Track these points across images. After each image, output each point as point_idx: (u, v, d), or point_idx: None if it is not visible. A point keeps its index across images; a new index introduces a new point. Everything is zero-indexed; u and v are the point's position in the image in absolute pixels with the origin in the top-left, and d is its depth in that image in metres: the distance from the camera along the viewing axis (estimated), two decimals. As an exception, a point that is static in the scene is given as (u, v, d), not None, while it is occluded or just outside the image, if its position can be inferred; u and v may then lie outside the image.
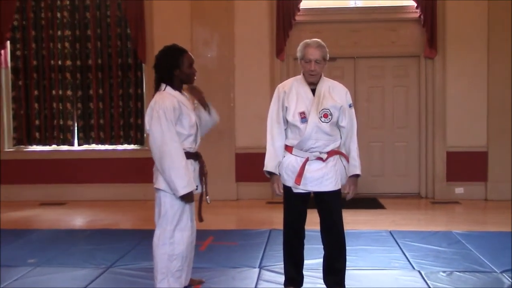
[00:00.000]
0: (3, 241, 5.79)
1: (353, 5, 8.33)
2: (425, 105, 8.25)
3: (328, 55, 3.94)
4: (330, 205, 3.94)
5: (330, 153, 3.88)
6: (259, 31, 8.21)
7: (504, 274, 4.48)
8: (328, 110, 3.83)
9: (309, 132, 3.81)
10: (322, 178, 3.85)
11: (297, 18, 8.13)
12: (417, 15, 8.09)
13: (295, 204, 3.98)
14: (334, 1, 8.36)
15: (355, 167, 3.93)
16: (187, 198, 3.66)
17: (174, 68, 3.75)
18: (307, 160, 3.85)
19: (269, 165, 3.93)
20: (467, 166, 8.12)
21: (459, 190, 8.14)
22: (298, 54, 3.91)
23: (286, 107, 3.90)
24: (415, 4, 8.00)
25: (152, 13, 8.28)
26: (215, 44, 8.22)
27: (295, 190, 3.91)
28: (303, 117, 3.83)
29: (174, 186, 3.60)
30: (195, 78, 3.89)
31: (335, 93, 3.91)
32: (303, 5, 8.14)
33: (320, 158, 3.85)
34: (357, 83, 8.41)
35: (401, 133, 8.44)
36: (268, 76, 8.22)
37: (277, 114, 3.94)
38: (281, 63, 8.20)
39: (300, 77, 3.97)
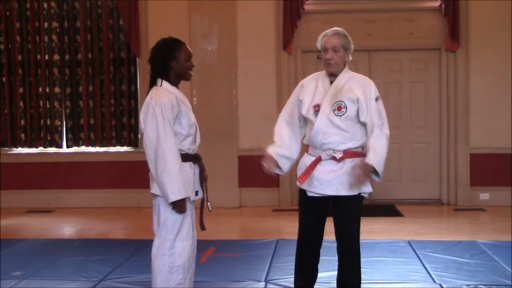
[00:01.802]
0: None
1: (368, -7, 8.34)
2: (446, 103, 8.25)
3: (351, 45, 3.90)
4: (344, 213, 3.86)
5: (347, 153, 3.79)
6: (264, 21, 8.21)
7: (533, 288, 4.49)
8: (342, 103, 3.78)
9: (319, 124, 3.78)
10: (334, 180, 3.78)
11: (306, 7, 8.14)
12: (437, 3, 8.09)
13: (309, 209, 3.95)
14: (346, -12, 8.38)
15: (370, 156, 3.73)
16: (178, 206, 3.63)
17: (171, 60, 3.74)
18: (319, 158, 3.82)
19: (270, 149, 3.96)
20: (492, 169, 8.11)
21: (484, 195, 8.13)
22: (318, 45, 3.93)
23: (301, 100, 3.92)
24: (435, -8, 8.04)
25: (146, 3, 8.30)
26: (216, 36, 8.23)
27: (308, 194, 3.88)
28: (317, 110, 3.82)
29: (165, 191, 3.59)
30: (191, 74, 3.88)
31: (355, 85, 3.85)
32: (312, -7, 8.17)
33: (334, 158, 3.80)
34: (372, 78, 8.13)
35: (420, 133, 8.44)
36: (274, 71, 8.23)
37: (290, 105, 4.00)
38: (288, 56, 8.21)
39: (323, 72, 3.98)
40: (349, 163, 3.79)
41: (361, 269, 4.00)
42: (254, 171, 8.22)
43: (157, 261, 3.70)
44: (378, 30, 8.28)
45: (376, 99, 3.85)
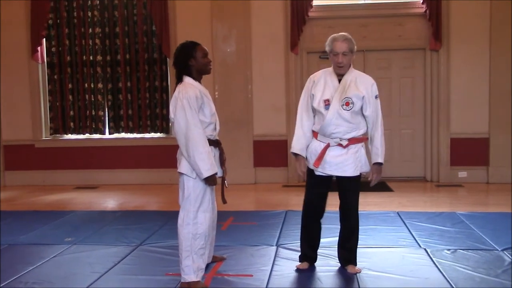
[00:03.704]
0: (42, 221, 5.88)
1: (362, 2, 8.24)
2: (430, 95, 8.18)
3: (355, 47, 3.90)
4: (348, 190, 3.94)
5: (352, 141, 3.85)
6: (275, 27, 8.16)
7: (505, 252, 4.45)
8: (350, 99, 3.80)
9: (330, 117, 3.80)
10: (342, 163, 3.85)
11: (310, 14, 8.07)
12: (422, 10, 7.99)
13: (316, 185, 3.98)
14: (344, -2, 8.30)
15: (377, 156, 3.90)
16: (210, 180, 3.67)
17: (189, 59, 3.74)
18: (328, 145, 3.86)
19: (296, 147, 3.96)
20: (470, 151, 8.04)
21: (462, 174, 8.08)
22: (327, 48, 3.90)
23: (313, 95, 3.91)
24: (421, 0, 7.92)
25: (175, 11, 8.27)
26: (234, 40, 8.19)
27: (316, 173, 3.92)
28: (327, 104, 3.83)
29: (199, 169, 3.61)
30: (211, 67, 3.87)
31: (360, 83, 3.87)
32: (315, 2, 8.08)
33: (340, 145, 3.84)
34: (366, 74, 8.33)
35: (407, 121, 8.38)
36: (283, 69, 8.19)
37: (306, 101, 3.97)
38: (295, 56, 8.15)
39: (330, 69, 3.97)
40: (352, 148, 3.86)
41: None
42: (266, 153, 8.29)
43: (182, 229, 3.72)
44: (371, 33, 8.19)
45: (376, 97, 3.89)
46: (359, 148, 3.90)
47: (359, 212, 4.06)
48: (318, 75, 3.99)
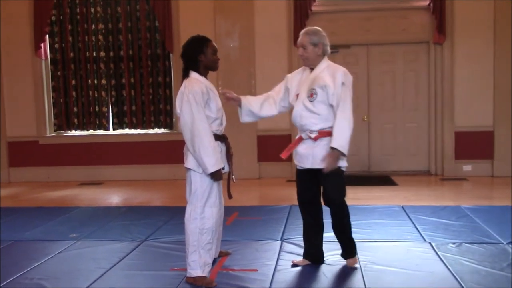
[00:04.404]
0: (47, 218, 5.90)
1: (366, -5, 8.22)
2: (434, 88, 8.16)
3: (322, 40, 3.82)
4: (325, 182, 3.86)
5: (322, 133, 3.79)
6: (278, 22, 8.14)
7: (510, 245, 4.44)
8: (314, 90, 3.77)
9: (296, 109, 3.85)
10: (311, 156, 3.82)
11: (313, 8, 8.04)
12: (426, 3, 7.96)
13: (300, 178, 3.99)
14: (347, -9, 8.27)
15: (333, 140, 3.67)
16: (215, 175, 3.66)
17: (199, 54, 3.74)
18: (300, 138, 3.89)
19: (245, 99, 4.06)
20: (474, 145, 8.02)
21: (466, 167, 8.06)
22: None
23: (289, 89, 3.99)
24: (424, -7, 7.90)
25: (178, 6, 8.26)
26: (237, 35, 8.18)
27: (297, 167, 3.96)
28: (297, 98, 3.88)
29: (204, 164, 3.60)
30: (218, 65, 3.88)
31: (327, 74, 3.79)
32: (318, -4, 8.07)
33: (310, 137, 3.82)
34: (370, 68, 8.33)
35: (411, 115, 8.36)
36: (286, 64, 8.17)
37: (278, 87, 4.09)
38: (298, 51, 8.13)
39: None
40: (324, 141, 3.79)
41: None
42: (270, 148, 8.29)
43: (189, 224, 3.72)
44: (375, 27, 8.18)
45: (343, 84, 3.73)
46: (329, 140, 3.75)
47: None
48: (296, 72, 4.06)
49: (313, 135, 3.81)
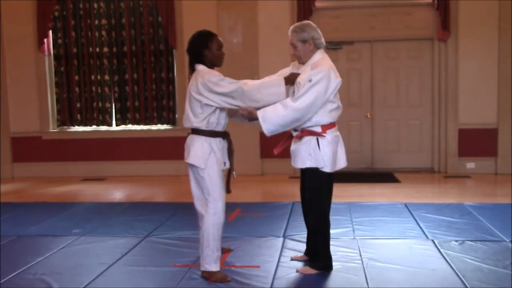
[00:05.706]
0: (50, 213, 5.92)
1: (370, -9, 8.19)
2: (438, 85, 8.14)
3: (312, 34, 3.69)
4: (304, 182, 3.84)
5: (303, 132, 3.69)
6: (281, 17, 8.11)
7: (513, 243, 4.45)
8: (294, 87, 3.72)
9: None
10: (294, 154, 3.79)
11: (317, 4, 8.02)
12: (430, -1, 7.95)
13: (301, 178, 3.96)
14: (351, -13, 8.24)
15: (261, 109, 3.59)
16: (290, 80, 3.71)
17: (204, 49, 3.75)
18: (290, 136, 3.86)
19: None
20: (478, 142, 8.00)
21: (470, 165, 8.04)
22: None
23: None
24: (429, -11, 7.87)
25: (181, 2, 8.25)
26: (240, 30, 8.17)
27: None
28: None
29: (278, 93, 3.63)
30: (223, 61, 3.89)
31: (307, 70, 3.68)
32: (322, -8, 8.05)
33: (296, 135, 3.77)
34: (373, 65, 8.32)
35: (415, 111, 8.34)
36: (290, 59, 8.05)
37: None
38: (302, 47, 8.11)
39: None
40: (305, 139, 3.69)
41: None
42: (273, 144, 8.24)
43: (210, 218, 3.70)
44: (379, 23, 8.15)
45: (310, 80, 3.55)
46: (312, 140, 3.65)
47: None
48: (288, 67, 4.01)
49: (295, 134, 3.78)
